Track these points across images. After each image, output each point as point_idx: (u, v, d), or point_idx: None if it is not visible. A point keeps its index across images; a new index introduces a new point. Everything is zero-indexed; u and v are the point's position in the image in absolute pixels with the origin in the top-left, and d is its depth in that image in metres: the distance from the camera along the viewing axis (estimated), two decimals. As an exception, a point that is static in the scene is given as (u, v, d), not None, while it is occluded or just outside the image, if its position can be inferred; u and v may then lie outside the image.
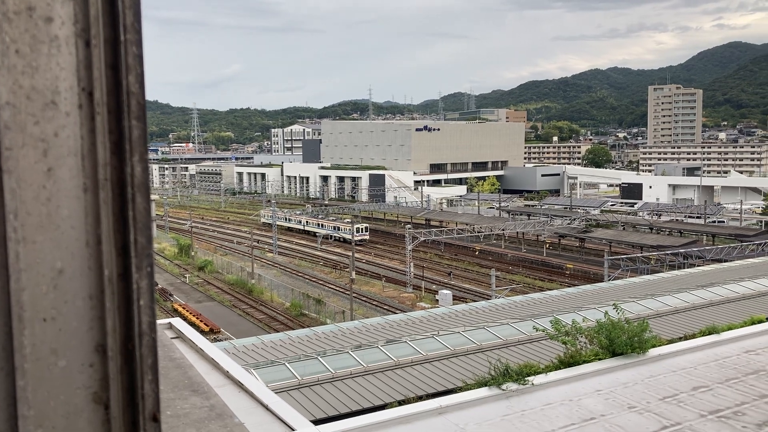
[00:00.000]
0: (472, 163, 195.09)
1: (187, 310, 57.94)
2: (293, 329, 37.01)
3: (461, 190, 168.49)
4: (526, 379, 14.83)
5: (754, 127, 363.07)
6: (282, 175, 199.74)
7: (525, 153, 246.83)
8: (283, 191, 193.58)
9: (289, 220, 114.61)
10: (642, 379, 15.67)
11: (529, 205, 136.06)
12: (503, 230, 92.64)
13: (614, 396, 14.61)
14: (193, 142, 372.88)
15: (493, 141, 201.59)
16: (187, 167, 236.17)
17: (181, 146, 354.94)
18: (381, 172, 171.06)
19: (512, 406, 13.98)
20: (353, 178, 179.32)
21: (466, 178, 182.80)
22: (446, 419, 13.31)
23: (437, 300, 58.84)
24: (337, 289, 70.11)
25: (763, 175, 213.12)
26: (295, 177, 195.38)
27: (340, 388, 17.48)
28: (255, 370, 17.99)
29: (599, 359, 16.30)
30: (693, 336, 18.73)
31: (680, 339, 18.59)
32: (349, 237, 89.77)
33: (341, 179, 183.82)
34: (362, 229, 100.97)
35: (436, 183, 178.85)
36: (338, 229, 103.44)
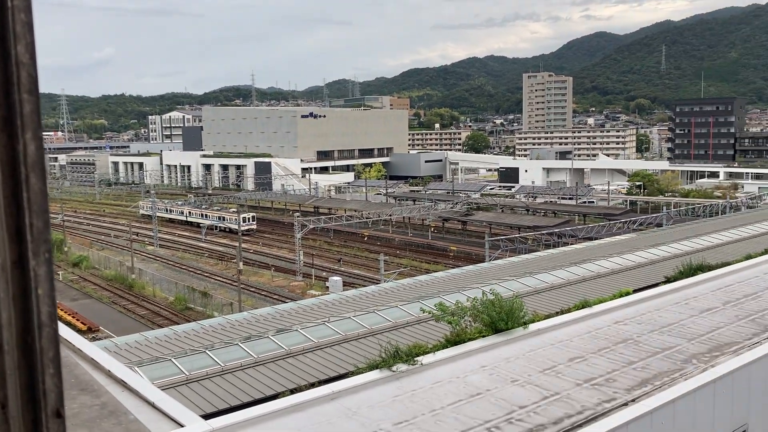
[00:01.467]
0: (359, 150, 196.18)
1: (62, 309, 54.65)
2: (179, 324, 35.86)
3: (349, 176, 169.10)
4: (415, 359, 15.21)
5: (619, 112, 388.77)
6: (161, 164, 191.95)
7: (409, 140, 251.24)
8: (162, 181, 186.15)
9: (171, 211, 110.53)
10: (523, 353, 16.50)
11: (414, 191, 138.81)
12: (390, 215, 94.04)
13: (498, 371, 15.29)
14: (62, 131, 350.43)
15: (378, 128, 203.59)
16: (56, 157, 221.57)
17: (48, 135, 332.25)
18: (267, 159, 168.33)
19: (403, 386, 14.31)
20: (238, 167, 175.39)
21: (354, 165, 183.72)
22: (339, 404, 13.42)
23: (328, 287, 58.91)
24: (224, 281, 68.55)
25: (627, 157, 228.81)
26: (176, 166, 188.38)
27: (231, 381, 17.18)
28: (139, 367, 17.31)
29: (483, 336, 16.98)
30: (569, 310, 19.90)
31: (557, 314, 19.70)
32: (236, 227, 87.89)
33: (225, 168, 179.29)
34: (249, 218, 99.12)
35: (324, 170, 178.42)
36: (223, 219, 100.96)
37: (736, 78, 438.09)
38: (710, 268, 24.77)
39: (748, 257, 26.84)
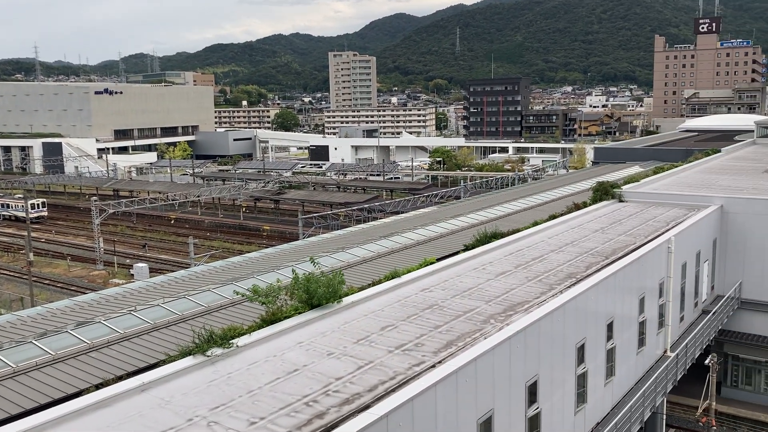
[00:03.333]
0: (161, 129, 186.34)
1: None
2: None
3: (151, 157, 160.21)
4: (230, 342, 14.92)
5: (420, 92, 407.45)
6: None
7: (216, 117, 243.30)
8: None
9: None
10: (338, 326, 16.87)
11: (223, 170, 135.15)
12: (199, 197, 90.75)
13: (314, 346, 15.50)
14: None
15: (181, 105, 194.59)
16: None
17: None
18: (57, 140, 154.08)
19: (218, 370, 13.99)
20: (22, 148, 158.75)
21: (156, 145, 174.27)
22: (150, 395, 12.81)
23: (133, 275, 55.72)
24: (12, 274, 62.06)
25: (428, 135, 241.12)
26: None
27: (25, 383, 15.65)
28: None
29: (299, 313, 17.09)
30: (380, 282, 20.64)
31: (369, 285, 20.34)
32: (23, 214, 79.69)
33: (7, 149, 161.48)
34: (38, 204, 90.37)
35: (123, 150, 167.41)
36: (8, 207, 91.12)
37: (521, 60, 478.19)
38: (503, 235, 26.98)
39: (536, 224, 29.61)
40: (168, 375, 13.49)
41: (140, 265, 56.80)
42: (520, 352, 16.08)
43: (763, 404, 33.53)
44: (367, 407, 12.15)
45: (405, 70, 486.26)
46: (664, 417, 25.92)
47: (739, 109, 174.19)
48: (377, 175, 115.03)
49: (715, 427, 24.67)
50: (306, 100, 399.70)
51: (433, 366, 14.22)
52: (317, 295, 17.44)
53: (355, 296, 18.83)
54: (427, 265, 22.54)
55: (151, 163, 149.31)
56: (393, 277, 20.84)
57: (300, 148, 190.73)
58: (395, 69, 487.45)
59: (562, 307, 18.03)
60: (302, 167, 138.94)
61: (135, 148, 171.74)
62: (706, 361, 24.30)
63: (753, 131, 65.61)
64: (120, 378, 14.60)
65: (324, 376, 13.79)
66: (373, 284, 20.51)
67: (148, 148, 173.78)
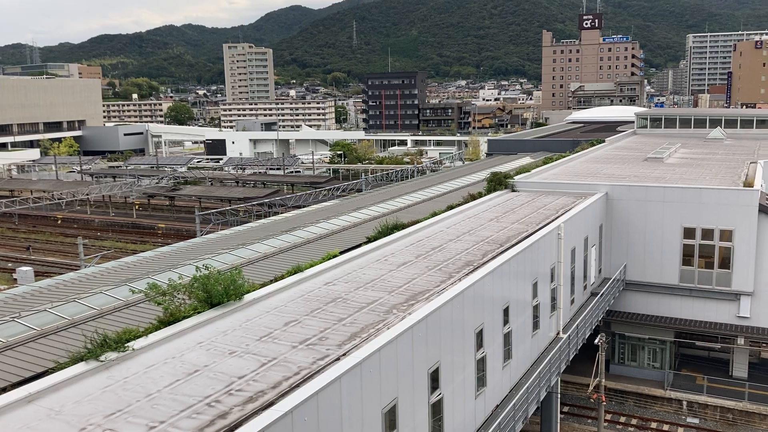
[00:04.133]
0: (45, 124, 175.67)
1: None
2: None
3: (34, 153, 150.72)
4: (126, 345, 14.34)
5: (318, 85, 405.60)
6: None
7: (104, 111, 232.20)
8: None
9: None
10: (240, 324, 16.57)
11: (113, 167, 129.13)
12: (87, 195, 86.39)
13: (215, 345, 15.15)
14: None
15: (66, 99, 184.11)
16: None
17: None
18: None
19: (114, 375, 13.41)
20: None
21: (39, 141, 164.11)
22: (38, 405, 12.11)
23: (15, 279, 52.31)
24: None
25: (328, 128, 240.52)
26: None
27: None
28: None
29: (199, 312, 16.65)
30: (282, 277, 20.42)
31: (271, 281, 20.09)
32: None
33: None
34: None
35: (2, 147, 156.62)
36: None
37: (417, 54, 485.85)
38: (404, 226, 27.38)
39: (434, 214, 30.24)
40: (58, 383, 12.79)
41: (24, 268, 53.41)
42: (422, 340, 16.40)
43: (648, 378, 35.91)
44: (271, 404, 12.02)
45: (303, 63, 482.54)
46: (559, 396, 27.23)
47: (620, 101, 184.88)
48: (277, 169, 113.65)
49: (604, 403, 26.18)
50: (201, 93, 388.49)
51: (338, 359, 14.25)
52: (217, 293, 17.05)
53: (256, 293, 18.55)
54: (330, 258, 22.52)
55: (33, 161, 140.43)
56: (295, 272, 20.68)
57: (195, 142, 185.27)
58: (293, 62, 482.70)
59: (461, 294, 18.53)
60: (198, 162, 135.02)
61: (14, 145, 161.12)
62: (596, 341, 25.72)
63: (633, 122, 69.77)
64: (3, 390, 13.69)
65: (226, 375, 13.51)
66: (275, 280, 20.28)
67: (30, 144, 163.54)
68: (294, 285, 19.85)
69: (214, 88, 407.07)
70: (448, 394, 17.65)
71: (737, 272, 33.06)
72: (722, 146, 54.68)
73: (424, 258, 23.26)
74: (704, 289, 33.89)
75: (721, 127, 61.23)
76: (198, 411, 11.92)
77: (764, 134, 60.19)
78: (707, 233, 33.38)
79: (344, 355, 14.45)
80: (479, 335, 19.75)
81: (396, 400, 15.11)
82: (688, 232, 33.76)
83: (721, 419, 32.97)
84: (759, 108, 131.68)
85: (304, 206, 56.05)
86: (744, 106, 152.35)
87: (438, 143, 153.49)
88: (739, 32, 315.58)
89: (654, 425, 32.91)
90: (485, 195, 35.44)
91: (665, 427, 32.69)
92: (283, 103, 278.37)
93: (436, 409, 17.07)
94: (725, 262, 33.25)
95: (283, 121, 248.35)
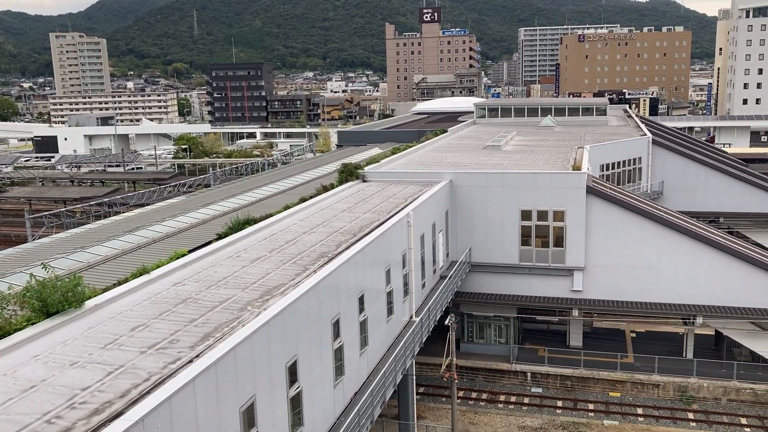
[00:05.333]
0: None
1: None
2: None
3: None
4: (-53, 366, 12.94)
5: (158, 76, 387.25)
6: None
7: None
8: None
9: None
10: (82, 332, 15.50)
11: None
12: None
13: (54, 357, 14.08)
14: None
15: None
16: None
17: None
18: None
19: (-66, 401, 12.05)
20: None
21: None
22: None
23: None
24: None
25: (171, 121, 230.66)
26: None
27: None
28: None
29: (33, 323, 15.38)
30: (126, 280, 19.35)
31: (115, 285, 18.97)
32: None
33: None
34: None
35: None
36: None
37: (262, 45, 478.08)
38: (256, 221, 26.91)
39: (287, 207, 29.99)
40: None
41: None
42: (279, 335, 16.26)
43: (495, 354, 38.10)
44: (119, 414, 11.38)
45: (140, 54, 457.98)
46: (414, 378, 28.17)
47: (461, 92, 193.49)
48: (117, 166, 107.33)
49: (456, 381, 27.42)
50: (26, 86, 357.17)
51: (191, 361, 13.77)
52: (53, 301, 15.84)
53: (98, 298, 17.45)
54: (179, 257, 21.66)
55: None
56: (141, 274, 19.70)
57: (22, 139, 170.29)
58: (129, 52, 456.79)
59: (317, 286, 18.57)
60: (26, 161, 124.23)
61: None
62: (446, 322, 26.83)
63: (473, 112, 73.33)
64: None
65: (67, 388, 12.60)
66: (120, 283, 19.19)
67: None
68: (140, 287, 18.90)
69: (41, 80, 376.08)
70: (307, 386, 17.66)
71: (570, 249, 35.89)
72: (553, 133, 58.96)
73: (278, 252, 23.04)
74: (542, 266, 36.47)
75: (551, 115, 65.97)
76: (35, 430, 11.03)
77: (589, 121, 65.65)
78: (542, 214, 35.91)
79: (197, 356, 13.99)
80: (336, 325, 19.92)
81: (254, 398, 14.88)
82: (526, 214, 36.13)
83: (561, 386, 35.75)
84: (584, 97, 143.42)
85: (148, 204, 53.43)
86: (571, 95, 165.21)
87: (288, 135, 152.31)
88: (565, 26, 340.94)
89: (503, 398, 35.02)
90: (337, 186, 35.72)
91: (513, 399, 34.89)
92: (120, 96, 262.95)
93: (296, 403, 17.03)
94: (559, 241, 35.97)
95: (122, 115, 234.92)
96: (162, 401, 11.60)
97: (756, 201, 52.94)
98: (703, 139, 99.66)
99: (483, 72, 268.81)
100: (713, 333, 38.03)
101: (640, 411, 33.15)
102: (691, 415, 32.54)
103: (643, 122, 67.80)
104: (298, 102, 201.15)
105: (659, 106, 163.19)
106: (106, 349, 14.54)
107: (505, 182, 36.48)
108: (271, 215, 28.37)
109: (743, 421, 31.92)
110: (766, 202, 52.87)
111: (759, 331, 34.51)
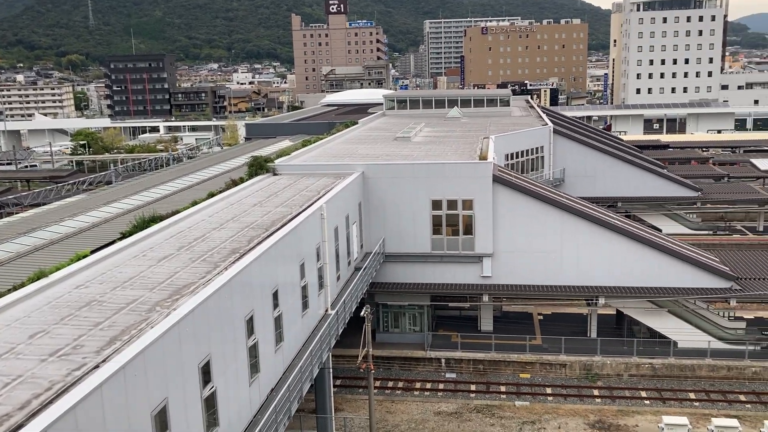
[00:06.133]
0: None
1: None
2: None
3: None
4: None
5: (51, 69, 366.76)
6: None
7: None
8: None
9: None
10: (-26, 343, 14.50)
11: None
12: None
13: (-56, 371, 13.10)
14: None
15: None
16: None
17: None
18: None
19: None
20: None
21: None
22: None
23: None
24: None
25: (67, 116, 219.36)
26: None
27: None
28: None
29: None
30: (23, 285, 18.26)
31: (9, 291, 17.86)
32: None
33: None
34: None
35: None
36: None
37: (163, 36, 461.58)
38: (162, 218, 25.99)
39: (195, 203, 29.13)
40: None
41: None
42: (190, 335, 15.79)
43: (410, 342, 38.62)
44: (20, 427, 10.73)
45: (30, 45, 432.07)
46: (331, 370, 28.12)
47: (369, 84, 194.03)
48: (8, 163, 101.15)
49: (373, 371, 27.60)
50: None
51: (97, 366, 13.16)
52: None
53: (-8, 305, 16.36)
54: (80, 259, 20.64)
55: None
56: (39, 278, 18.64)
57: None
58: (18, 43, 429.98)
59: (228, 283, 18.16)
60: None
61: None
62: (362, 313, 26.92)
63: (382, 104, 73.73)
64: None
65: (-40, 404, 11.75)
66: (15, 288, 18.08)
67: None
68: (38, 292, 17.89)
69: None
70: (222, 385, 17.27)
71: (479, 237, 36.80)
72: (459, 124, 60.16)
73: (187, 249, 22.37)
74: (453, 254, 37.21)
75: (458, 106, 67.26)
76: (-75, 451, 10.24)
77: (493, 112, 67.40)
78: (452, 204, 36.62)
79: (104, 361, 13.38)
80: (249, 322, 19.57)
81: (166, 401, 14.40)
82: (436, 204, 36.73)
83: (474, 371, 36.68)
84: (488, 88, 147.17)
85: (44, 204, 50.62)
86: (476, 87, 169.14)
87: (193, 129, 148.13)
88: (468, 19, 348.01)
89: (418, 385, 35.55)
90: (247, 180, 35.05)
91: (428, 386, 35.49)
92: (9, 90, 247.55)
93: (210, 403, 16.62)
94: (468, 229, 36.81)
95: (11, 110, 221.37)
96: (66, 411, 11.01)
97: (650, 185, 56.12)
98: (601, 127, 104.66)
99: (390, 64, 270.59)
100: (615, 312, 40.04)
101: (549, 390, 34.49)
102: (596, 392, 34.15)
103: (544, 112, 70.31)
104: (203, 94, 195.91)
105: (559, 96, 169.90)
106: (1, 359, 13.67)
107: (416, 173, 36.93)
108: (178, 212, 27.50)
109: (643, 394, 33.84)
110: (660, 187, 56.14)
111: (656, 308, 36.64)
